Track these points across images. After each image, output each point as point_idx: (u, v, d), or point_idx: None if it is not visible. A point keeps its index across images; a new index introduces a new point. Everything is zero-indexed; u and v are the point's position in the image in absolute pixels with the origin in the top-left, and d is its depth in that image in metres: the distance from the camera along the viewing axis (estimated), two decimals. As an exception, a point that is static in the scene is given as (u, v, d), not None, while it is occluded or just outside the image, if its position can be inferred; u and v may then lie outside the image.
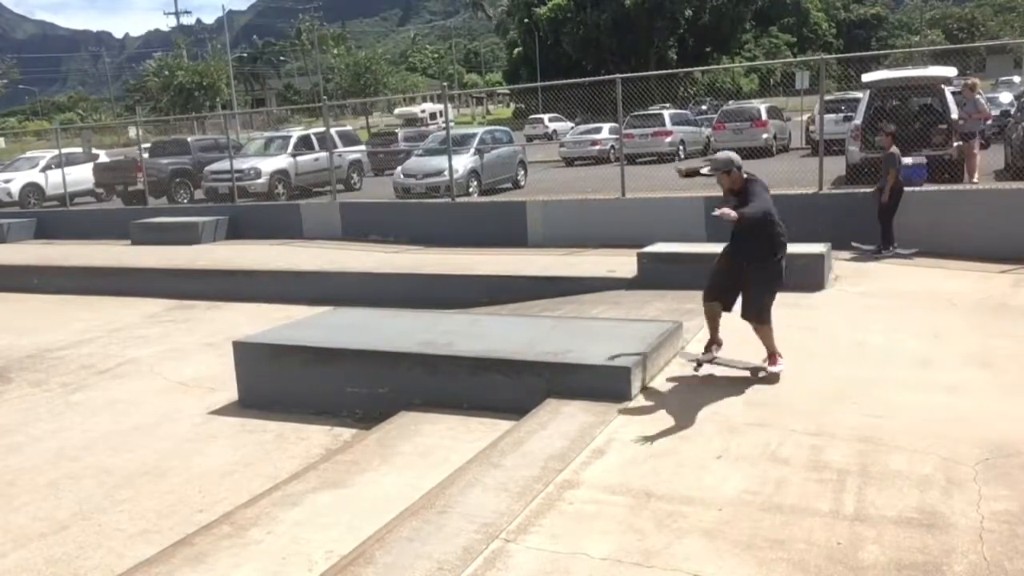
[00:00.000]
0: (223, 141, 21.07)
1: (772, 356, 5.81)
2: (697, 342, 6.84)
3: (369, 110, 60.54)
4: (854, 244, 10.14)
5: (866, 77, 13.88)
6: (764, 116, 22.62)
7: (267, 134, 27.35)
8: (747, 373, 5.85)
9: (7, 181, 22.91)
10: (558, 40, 63.46)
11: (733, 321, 5.87)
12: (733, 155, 5.65)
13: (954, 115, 12.43)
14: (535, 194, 16.07)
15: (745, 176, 5.64)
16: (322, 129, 18.89)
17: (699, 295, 8.43)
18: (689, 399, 5.50)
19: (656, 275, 9.17)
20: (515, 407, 5.60)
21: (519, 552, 3.64)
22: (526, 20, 65.46)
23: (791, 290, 8.31)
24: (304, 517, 4.40)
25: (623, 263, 9.86)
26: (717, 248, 9.47)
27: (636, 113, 23.04)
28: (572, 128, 31.46)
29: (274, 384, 6.82)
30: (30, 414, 7.30)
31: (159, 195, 20.37)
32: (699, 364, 6.01)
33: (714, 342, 6.04)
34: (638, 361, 5.69)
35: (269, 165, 19.61)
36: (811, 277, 8.52)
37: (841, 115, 17.96)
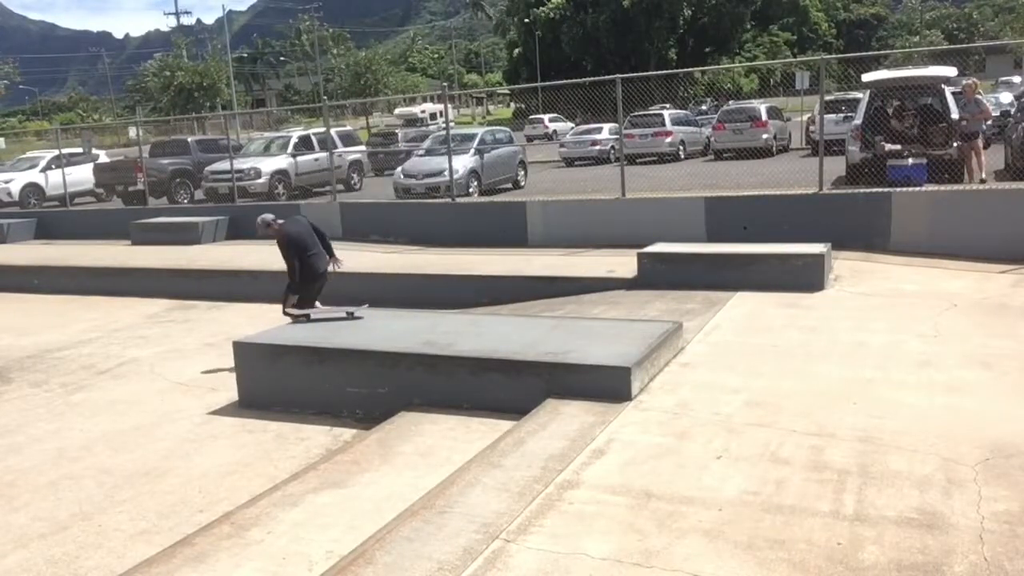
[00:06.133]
0: (223, 141, 21.07)
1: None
2: (697, 342, 6.85)
3: (369, 110, 60.51)
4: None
5: (866, 77, 13.86)
6: (764, 116, 22.60)
7: (267, 134, 27.33)
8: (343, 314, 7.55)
9: (7, 181, 22.88)
10: (557, 40, 63.40)
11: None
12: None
13: (954, 115, 12.42)
14: (535, 194, 16.05)
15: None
16: (322, 129, 18.88)
17: (699, 295, 8.56)
18: (689, 399, 5.50)
19: (656, 275, 9.19)
20: (515, 407, 5.60)
21: (519, 552, 3.64)
22: (526, 20, 65.40)
23: (791, 290, 8.38)
24: (304, 517, 4.40)
25: (623, 263, 9.87)
26: (717, 248, 9.58)
27: (636, 113, 23.04)
28: (572, 128, 31.43)
29: (274, 384, 6.83)
30: (30, 414, 7.31)
31: (159, 195, 20.37)
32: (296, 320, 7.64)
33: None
34: (638, 361, 5.69)
35: (269, 165, 19.60)
36: (810, 277, 8.55)
37: (841, 115, 17.95)
